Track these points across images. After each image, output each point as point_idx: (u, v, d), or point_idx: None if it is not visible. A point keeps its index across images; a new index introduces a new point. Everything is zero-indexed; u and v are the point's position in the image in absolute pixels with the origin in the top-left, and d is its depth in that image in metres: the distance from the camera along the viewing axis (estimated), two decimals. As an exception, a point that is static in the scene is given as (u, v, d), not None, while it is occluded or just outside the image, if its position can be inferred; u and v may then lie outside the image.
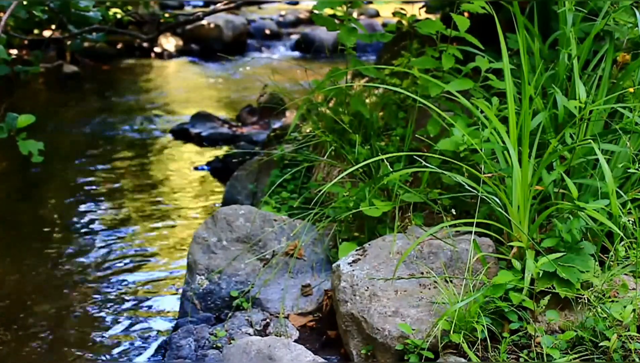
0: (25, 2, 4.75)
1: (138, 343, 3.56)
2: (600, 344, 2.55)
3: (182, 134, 6.97)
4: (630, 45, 3.50)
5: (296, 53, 11.07)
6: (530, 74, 3.20)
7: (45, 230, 4.89)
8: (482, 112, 3.16)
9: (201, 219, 4.54)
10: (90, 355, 3.46)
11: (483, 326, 2.62)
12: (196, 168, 6.10)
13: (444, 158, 3.14)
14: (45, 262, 4.39)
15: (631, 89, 3.05)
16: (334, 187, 3.43)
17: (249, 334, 3.18)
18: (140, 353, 3.46)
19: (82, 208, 5.26)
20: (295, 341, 3.10)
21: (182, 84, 9.35)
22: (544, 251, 2.76)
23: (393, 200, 3.36)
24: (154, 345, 3.51)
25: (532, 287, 2.71)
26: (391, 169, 3.37)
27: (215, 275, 3.46)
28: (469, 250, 2.87)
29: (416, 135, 3.61)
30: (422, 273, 2.93)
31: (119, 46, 10.52)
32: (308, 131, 4.16)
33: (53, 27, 6.46)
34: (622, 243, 2.79)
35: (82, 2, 5.15)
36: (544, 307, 2.68)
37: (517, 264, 2.74)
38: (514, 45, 3.64)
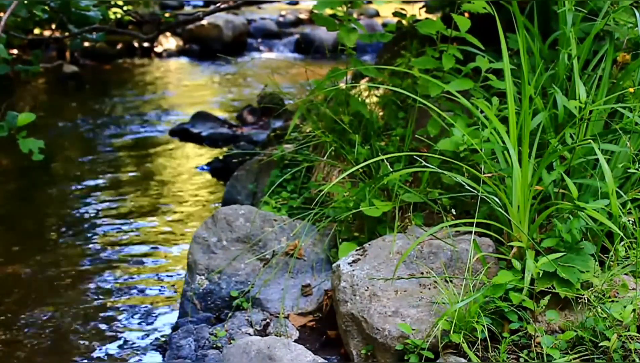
0: (25, 2, 4.74)
1: (138, 343, 3.56)
2: (600, 344, 2.56)
3: (182, 134, 6.97)
4: (630, 45, 3.50)
5: (296, 53, 11.06)
6: (530, 74, 3.20)
7: (45, 229, 4.89)
8: (482, 112, 3.16)
9: (201, 220, 4.54)
10: (90, 354, 3.46)
11: (483, 326, 2.62)
12: (196, 168, 6.10)
13: (444, 158, 3.14)
14: (45, 262, 4.39)
15: (631, 89, 3.05)
16: (334, 187, 3.43)
17: (249, 334, 3.18)
18: (140, 353, 3.46)
19: (82, 207, 5.26)
20: (295, 341, 3.10)
21: (182, 84, 9.35)
22: (544, 251, 2.76)
23: (393, 200, 3.36)
24: (154, 345, 3.52)
25: (532, 287, 2.71)
26: (391, 169, 3.37)
27: (215, 275, 3.46)
28: (469, 250, 2.87)
29: (416, 135, 3.62)
30: (422, 273, 2.93)
31: (119, 46, 10.52)
32: (308, 131, 4.16)
33: (53, 26, 6.46)
34: (622, 243, 2.79)
35: (83, 1, 5.14)
36: (544, 307, 2.68)
37: (517, 264, 2.74)
38: (514, 45, 3.64)
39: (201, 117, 7.16)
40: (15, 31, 5.84)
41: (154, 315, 3.83)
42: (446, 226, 2.95)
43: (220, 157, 6.08)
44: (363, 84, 4.36)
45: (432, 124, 3.56)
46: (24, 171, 5.84)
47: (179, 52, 10.91)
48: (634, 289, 2.69)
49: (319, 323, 3.26)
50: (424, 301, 2.82)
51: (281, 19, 12.42)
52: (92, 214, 5.13)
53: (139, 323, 3.73)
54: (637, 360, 2.51)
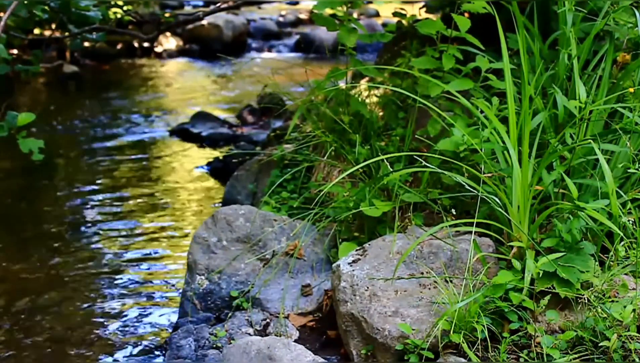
0: (25, 2, 4.74)
1: (138, 343, 3.56)
2: (600, 344, 2.56)
3: (182, 134, 6.97)
4: (630, 45, 3.50)
5: (296, 53, 11.06)
6: (530, 74, 3.20)
7: (44, 229, 4.88)
8: (482, 112, 3.16)
9: (201, 220, 4.54)
10: (90, 355, 3.46)
11: (483, 326, 2.62)
12: (196, 168, 6.10)
13: (444, 158, 3.14)
14: (45, 262, 4.39)
15: (631, 89, 3.05)
16: (334, 187, 3.43)
17: (249, 334, 3.18)
18: (140, 353, 3.46)
19: (82, 207, 5.26)
20: (295, 341, 3.10)
21: (182, 84, 9.35)
22: (544, 251, 2.76)
23: (393, 200, 3.36)
24: (154, 345, 3.51)
25: (532, 287, 2.71)
26: (391, 169, 3.37)
27: (215, 275, 3.46)
28: (469, 250, 2.87)
29: (416, 135, 3.62)
30: (422, 273, 2.93)
31: (119, 46, 10.52)
32: (308, 131, 4.16)
33: (53, 26, 6.47)
34: (622, 243, 2.79)
35: (83, 1, 5.15)
36: (544, 307, 2.68)
37: (517, 264, 2.74)
38: (514, 45, 3.64)
39: (201, 117, 7.16)
40: (15, 31, 5.84)
41: (154, 315, 3.82)
42: (446, 226, 2.95)
43: (220, 157, 6.08)
44: (363, 84, 4.36)
45: (432, 124, 3.56)
46: (23, 171, 5.84)
47: (179, 52, 10.91)
48: (634, 289, 2.69)
49: (319, 323, 3.26)
50: (424, 301, 2.82)
51: (281, 19, 12.42)
52: (91, 214, 5.13)
53: (139, 323, 3.73)
54: (637, 360, 2.51)
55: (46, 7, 5.23)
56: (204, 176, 5.94)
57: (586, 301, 2.67)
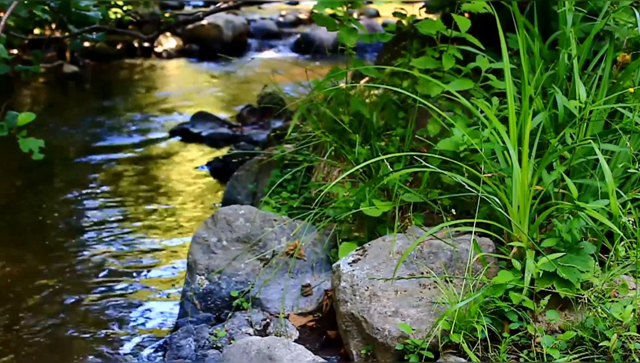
0: (25, 2, 4.74)
1: (138, 343, 3.56)
2: (600, 344, 2.56)
3: (182, 134, 6.97)
4: (630, 45, 3.50)
5: (296, 53, 11.06)
6: (530, 74, 3.20)
7: (45, 229, 4.88)
8: (482, 112, 3.16)
9: (201, 220, 4.53)
10: (90, 354, 3.46)
11: (483, 326, 2.62)
12: (196, 168, 6.10)
13: (444, 158, 3.14)
14: (46, 262, 4.38)
15: (631, 89, 3.05)
16: (334, 187, 3.43)
17: (249, 334, 3.18)
18: (141, 353, 3.46)
19: (82, 207, 5.26)
20: (295, 341, 3.10)
21: (182, 84, 9.35)
22: (544, 251, 2.76)
23: (393, 200, 3.36)
24: (154, 345, 3.51)
25: (532, 287, 2.71)
26: (391, 169, 3.37)
27: (215, 275, 3.46)
28: (469, 250, 2.87)
29: (416, 135, 3.62)
30: (422, 273, 2.93)
31: (119, 46, 10.52)
32: (308, 131, 4.16)
33: (53, 26, 6.47)
34: (622, 243, 2.79)
35: (83, 1, 5.15)
36: (544, 307, 2.68)
37: (517, 264, 2.74)
38: (514, 45, 3.64)
39: (201, 117, 7.15)
40: (15, 31, 5.84)
41: (154, 315, 3.82)
42: (446, 226, 2.95)
43: (220, 157, 6.08)
44: (363, 84, 4.36)
45: (432, 124, 3.56)
46: (23, 171, 5.84)
47: (179, 52, 10.91)
48: (634, 289, 2.69)
49: (319, 323, 3.26)
50: (424, 301, 2.82)
51: (281, 19, 12.42)
52: (90, 214, 5.13)
53: (139, 323, 3.73)
54: (637, 360, 2.51)
55: (46, 7, 5.23)
56: (204, 176, 5.94)
57: (586, 301, 2.67)
